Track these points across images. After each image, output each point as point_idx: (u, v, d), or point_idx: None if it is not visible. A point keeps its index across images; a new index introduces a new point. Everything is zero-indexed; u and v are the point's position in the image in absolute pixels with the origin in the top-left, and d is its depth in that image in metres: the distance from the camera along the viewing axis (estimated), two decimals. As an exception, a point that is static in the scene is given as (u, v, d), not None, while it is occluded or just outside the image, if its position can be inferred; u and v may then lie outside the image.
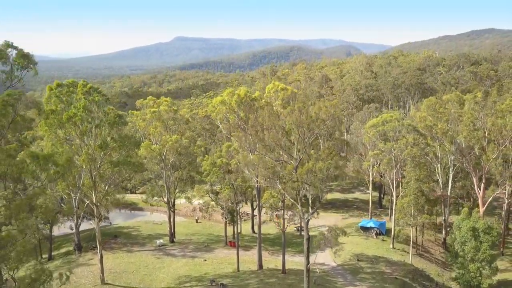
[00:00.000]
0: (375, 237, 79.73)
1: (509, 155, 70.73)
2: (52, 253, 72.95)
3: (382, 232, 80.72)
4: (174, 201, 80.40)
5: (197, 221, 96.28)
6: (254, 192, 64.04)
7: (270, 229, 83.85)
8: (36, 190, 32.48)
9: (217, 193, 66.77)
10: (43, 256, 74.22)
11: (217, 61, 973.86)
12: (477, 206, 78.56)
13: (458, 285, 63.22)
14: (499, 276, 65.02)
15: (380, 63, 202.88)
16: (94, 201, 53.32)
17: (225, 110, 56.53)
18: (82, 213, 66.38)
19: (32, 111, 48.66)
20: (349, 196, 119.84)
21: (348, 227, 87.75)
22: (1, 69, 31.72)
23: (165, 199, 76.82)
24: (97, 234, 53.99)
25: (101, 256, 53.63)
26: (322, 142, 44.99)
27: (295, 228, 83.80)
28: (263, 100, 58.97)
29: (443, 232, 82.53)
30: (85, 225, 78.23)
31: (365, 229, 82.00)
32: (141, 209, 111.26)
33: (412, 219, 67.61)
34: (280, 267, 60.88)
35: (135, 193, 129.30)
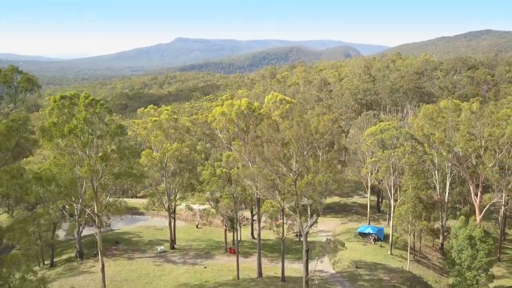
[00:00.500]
0: (373, 243, 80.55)
1: (505, 162, 71.62)
2: (54, 259, 73.73)
3: (380, 238, 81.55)
4: (174, 208, 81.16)
5: (197, 227, 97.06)
6: (254, 199, 64.92)
7: (270, 234, 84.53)
8: (40, 210, 33.25)
9: (217, 201, 67.61)
10: (45, 262, 75.02)
11: (217, 62, 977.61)
12: (474, 212, 79.54)
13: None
14: (496, 283, 65.87)
15: (378, 67, 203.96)
16: (95, 211, 54.04)
17: (225, 120, 57.36)
18: (83, 221, 67.14)
19: (37, 133, 49.15)
20: (348, 200, 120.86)
21: (347, 232, 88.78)
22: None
23: (166, 206, 77.64)
24: (98, 244, 54.71)
25: (103, 266, 54.36)
26: (321, 154, 45.79)
27: (295, 234, 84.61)
28: (261, 110, 59.79)
29: (441, 237, 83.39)
30: (86, 230, 79.06)
31: (363, 235, 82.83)
32: (142, 214, 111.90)
33: (410, 226, 68.48)
34: (280, 274, 61.73)
35: (136, 197, 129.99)
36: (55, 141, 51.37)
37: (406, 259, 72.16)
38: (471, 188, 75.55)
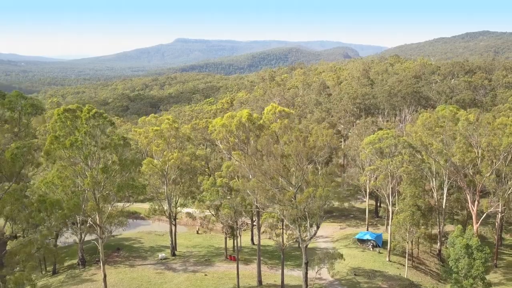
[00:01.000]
0: (371, 249, 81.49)
1: (502, 170, 72.58)
2: (56, 265, 74.50)
3: (379, 244, 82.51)
4: (175, 216, 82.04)
5: (197, 232, 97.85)
6: (254, 208, 65.79)
7: (270, 240, 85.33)
8: (45, 232, 34.09)
9: (217, 209, 68.43)
10: (48, 269, 75.81)
11: (217, 63, 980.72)
12: (471, 217, 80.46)
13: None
14: (492, 290, 66.88)
15: (377, 70, 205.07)
16: (97, 222, 54.87)
17: (225, 131, 58.22)
18: (85, 230, 67.90)
19: (41, 157, 49.84)
20: (347, 204, 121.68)
21: (345, 238, 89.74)
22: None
23: (167, 213, 78.54)
24: (101, 255, 55.57)
25: (105, 276, 55.30)
26: (320, 168, 46.69)
27: (294, 240, 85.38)
28: (261, 121, 60.69)
29: (438, 243, 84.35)
30: (88, 235, 79.79)
31: (362, 241, 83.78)
32: (143, 218, 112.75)
33: (408, 234, 69.43)
34: (279, 282, 62.58)
35: (137, 201, 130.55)
36: (58, 153, 52.18)
37: (404, 265, 73.07)
38: (468, 197, 76.54)
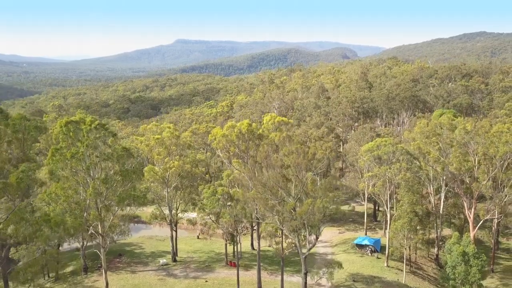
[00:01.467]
0: (370, 254, 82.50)
1: (499, 177, 73.64)
2: (59, 271, 75.27)
3: (377, 249, 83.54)
4: (176, 222, 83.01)
5: (198, 237, 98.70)
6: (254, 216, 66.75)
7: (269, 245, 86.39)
8: (49, 251, 35.03)
9: (218, 215, 69.37)
10: (50, 275, 76.56)
11: (217, 63, 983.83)
12: (468, 222, 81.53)
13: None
14: (489, 295, 68.08)
15: (375, 73, 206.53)
16: (100, 232, 55.79)
17: (225, 141, 59.29)
18: (88, 238, 68.73)
19: (45, 176, 50.65)
20: (345, 207, 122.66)
21: (344, 243, 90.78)
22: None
23: (168, 220, 79.55)
24: (103, 263, 56.54)
25: (107, 284, 56.21)
26: (318, 179, 47.67)
27: (293, 247, 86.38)
28: (260, 130, 61.75)
29: (436, 248, 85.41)
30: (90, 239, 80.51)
31: (360, 246, 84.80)
32: (144, 222, 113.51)
33: (405, 240, 70.50)
34: (279, 289, 63.47)
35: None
36: (60, 165, 53.10)
37: (402, 270, 74.08)
38: (465, 204, 77.65)
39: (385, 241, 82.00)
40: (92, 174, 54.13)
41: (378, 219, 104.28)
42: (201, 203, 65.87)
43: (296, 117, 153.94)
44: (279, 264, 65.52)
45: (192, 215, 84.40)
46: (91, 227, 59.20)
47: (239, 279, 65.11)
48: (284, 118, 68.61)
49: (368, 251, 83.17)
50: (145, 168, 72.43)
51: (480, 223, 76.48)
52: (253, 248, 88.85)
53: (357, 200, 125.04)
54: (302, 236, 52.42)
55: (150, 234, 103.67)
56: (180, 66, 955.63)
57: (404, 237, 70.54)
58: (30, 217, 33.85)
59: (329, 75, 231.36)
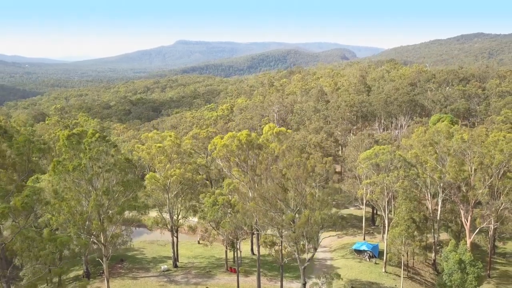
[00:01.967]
0: (368, 260, 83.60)
1: (495, 184, 74.79)
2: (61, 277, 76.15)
3: (375, 255, 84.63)
4: (177, 228, 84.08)
5: (199, 242, 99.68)
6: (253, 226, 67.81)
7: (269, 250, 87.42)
8: (55, 270, 36.03)
9: (218, 222, 70.43)
10: (53, 280, 77.48)
11: (217, 64, 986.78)
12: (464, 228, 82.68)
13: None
14: (485, 301, 69.17)
15: (373, 76, 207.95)
16: (102, 241, 56.83)
17: (226, 151, 60.40)
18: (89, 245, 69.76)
19: (50, 195, 51.46)
20: (344, 211, 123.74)
21: (342, 248, 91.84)
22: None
23: (169, 227, 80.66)
24: (105, 272, 57.56)
25: (110, 291, 57.12)
26: (317, 190, 48.81)
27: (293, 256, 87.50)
28: (260, 140, 62.93)
29: (433, 253, 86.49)
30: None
31: (359, 252, 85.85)
32: (145, 226, 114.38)
33: (403, 247, 71.61)
34: (279, 295, 64.62)
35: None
36: (62, 176, 54.07)
37: (400, 276, 75.14)
38: (461, 212, 78.81)
39: (383, 246, 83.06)
40: (94, 185, 55.13)
41: (376, 223, 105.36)
42: (202, 211, 66.90)
43: (295, 121, 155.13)
44: (279, 270, 66.59)
45: (193, 220, 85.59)
46: (93, 237, 60.25)
47: (239, 285, 66.16)
48: (282, 129, 69.82)
49: (366, 257, 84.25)
50: (147, 176, 73.53)
51: (477, 230, 77.68)
52: (253, 253, 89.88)
53: (356, 204, 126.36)
54: (301, 245, 53.51)
55: (151, 239, 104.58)
56: (181, 67, 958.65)
57: (402, 243, 71.61)
58: (36, 235, 34.86)
59: (328, 78, 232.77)
